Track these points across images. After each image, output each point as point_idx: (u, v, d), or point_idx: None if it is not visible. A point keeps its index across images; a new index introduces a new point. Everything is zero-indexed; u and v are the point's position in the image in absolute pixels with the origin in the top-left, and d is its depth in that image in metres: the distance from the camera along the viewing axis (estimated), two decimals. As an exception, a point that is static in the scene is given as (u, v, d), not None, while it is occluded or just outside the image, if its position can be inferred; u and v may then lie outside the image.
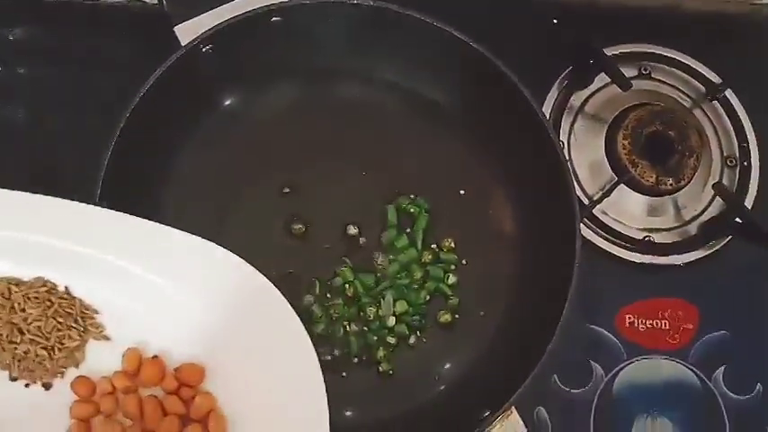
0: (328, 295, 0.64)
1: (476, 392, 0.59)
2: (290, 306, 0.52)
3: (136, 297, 0.54)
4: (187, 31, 0.57)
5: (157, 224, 0.53)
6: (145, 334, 0.54)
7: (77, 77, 0.76)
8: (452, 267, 0.65)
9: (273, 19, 0.59)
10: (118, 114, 0.71)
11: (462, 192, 0.67)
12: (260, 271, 0.54)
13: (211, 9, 0.58)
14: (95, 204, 0.53)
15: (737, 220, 0.73)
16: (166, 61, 0.55)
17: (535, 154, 0.61)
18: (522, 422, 0.54)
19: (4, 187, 0.71)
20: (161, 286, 0.54)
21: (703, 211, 0.75)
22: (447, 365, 0.63)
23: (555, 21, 0.78)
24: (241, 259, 0.52)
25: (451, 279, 0.65)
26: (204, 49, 0.57)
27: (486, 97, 0.63)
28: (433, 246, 0.66)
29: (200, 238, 0.53)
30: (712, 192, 0.75)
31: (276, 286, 0.54)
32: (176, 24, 0.57)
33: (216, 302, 0.53)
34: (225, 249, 0.52)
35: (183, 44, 0.57)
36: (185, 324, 0.54)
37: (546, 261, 0.61)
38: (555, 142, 0.59)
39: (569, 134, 0.75)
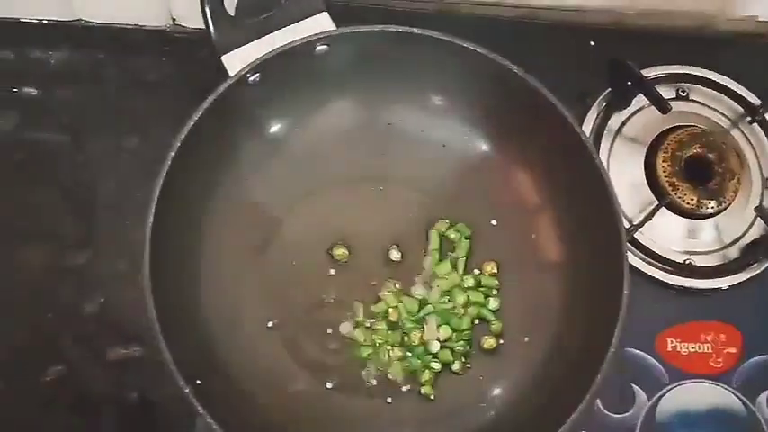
0: (371, 320, 0.64)
1: (523, 420, 0.58)
2: None
3: None
4: (234, 61, 0.58)
5: None
6: None
7: (116, 101, 0.78)
8: (494, 292, 0.66)
9: (318, 48, 0.59)
10: (154, 140, 0.74)
11: (500, 219, 0.68)
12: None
13: (258, 38, 0.58)
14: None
15: (779, 242, 0.73)
16: (215, 90, 0.55)
17: (578, 177, 0.61)
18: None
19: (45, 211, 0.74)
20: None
21: (744, 234, 0.75)
22: (494, 392, 0.63)
23: (592, 43, 0.78)
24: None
25: (493, 304, 0.65)
26: (251, 79, 0.57)
27: (528, 121, 0.63)
28: (475, 270, 0.66)
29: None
30: (753, 214, 0.74)
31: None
32: (222, 54, 0.58)
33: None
34: None
35: (230, 73, 0.57)
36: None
37: (592, 286, 0.61)
38: (598, 164, 0.59)
39: (608, 157, 0.75)
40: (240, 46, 0.58)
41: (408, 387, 0.63)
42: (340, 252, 0.65)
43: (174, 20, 0.79)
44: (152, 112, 0.77)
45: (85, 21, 0.80)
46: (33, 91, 0.78)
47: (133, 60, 0.79)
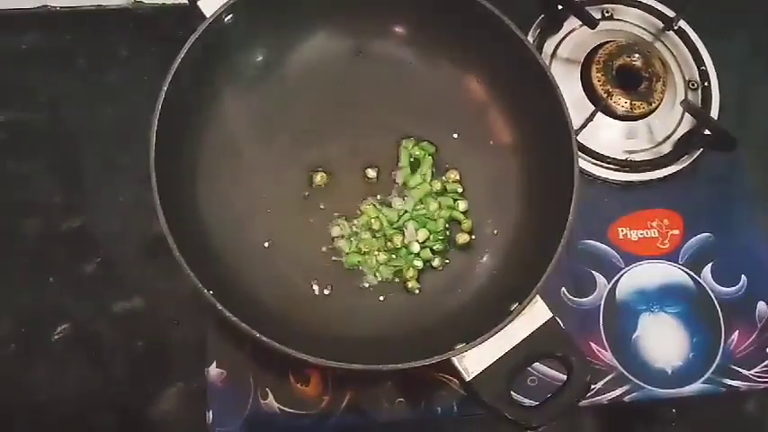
0: (355, 230, 0.70)
1: (500, 295, 0.65)
2: None
3: None
4: (209, 4, 0.63)
5: None
6: None
7: (88, 77, 0.82)
8: (460, 194, 0.73)
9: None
10: (129, 108, 0.78)
11: (461, 131, 0.75)
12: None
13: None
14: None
15: (706, 132, 0.81)
16: (195, 31, 0.60)
17: (526, 79, 0.68)
18: (547, 307, 0.61)
19: (34, 184, 0.77)
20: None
21: (675, 131, 0.83)
22: (469, 279, 0.70)
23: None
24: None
25: (461, 206, 0.72)
26: (226, 19, 0.63)
27: (481, 38, 0.70)
28: (442, 178, 0.73)
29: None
30: (680, 111, 0.83)
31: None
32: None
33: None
34: None
35: (206, 15, 0.62)
36: None
37: (547, 175, 0.68)
38: (540, 60, 0.66)
39: (547, 76, 0.82)
40: (213, -8, 0.64)
41: (395, 284, 0.69)
42: (319, 177, 0.71)
43: (134, -3, 0.84)
44: (125, 85, 0.82)
45: (51, 6, 0.84)
46: (5, 75, 0.81)
47: (100, 39, 0.84)
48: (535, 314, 0.60)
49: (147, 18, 0.85)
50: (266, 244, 0.68)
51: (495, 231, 0.71)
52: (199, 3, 0.63)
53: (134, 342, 0.73)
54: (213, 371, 0.69)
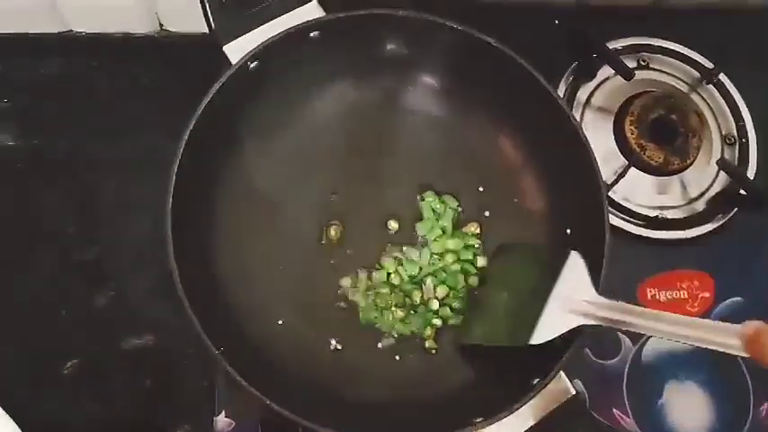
0: (373, 286, 0.68)
1: (522, 366, 0.61)
2: None
3: None
4: (235, 50, 0.62)
5: None
6: None
7: (110, 106, 0.80)
8: (478, 250, 0.70)
9: (312, 34, 0.63)
10: (151, 139, 0.76)
11: (486, 184, 0.72)
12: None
13: (255, 28, 0.63)
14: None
15: (741, 192, 0.78)
16: (220, 78, 0.59)
17: (557, 135, 0.66)
18: (570, 384, 0.59)
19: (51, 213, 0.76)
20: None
21: (709, 187, 0.80)
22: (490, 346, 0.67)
23: (556, 21, 0.84)
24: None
25: (480, 261, 0.70)
26: (251, 66, 0.61)
27: (510, 90, 0.68)
28: (463, 230, 0.71)
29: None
30: (716, 168, 0.80)
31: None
32: (224, 44, 0.62)
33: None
34: None
35: (232, 62, 0.61)
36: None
37: (575, 236, 0.66)
38: (573, 120, 0.63)
39: (579, 125, 0.80)
40: (239, 36, 0.62)
41: (413, 343, 0.67)
42: (336, 229, 0.69)
43: (161, 25, 0.83)
44: (147, 115, 0.80)
45: (76, 31, 0.83)
46: (29, 101, 0.80)
47: (124, 67, 0.82)
48: (558, 391, 0.57)
49: (173, 47, 0.84)
50: (281, 296, 0.67)
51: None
52: (225, 48, 0.61)
53: (143, 380, 0.72)
54: (221, 421, 0.67)
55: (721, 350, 0.51)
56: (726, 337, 0.51)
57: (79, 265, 0.74)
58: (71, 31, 0.83)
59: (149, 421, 0.71)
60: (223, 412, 0.68)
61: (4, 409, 0.60)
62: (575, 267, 0.60)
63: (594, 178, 0.61)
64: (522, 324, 0.59)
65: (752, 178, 0.80)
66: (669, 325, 0.54)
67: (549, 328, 0.58)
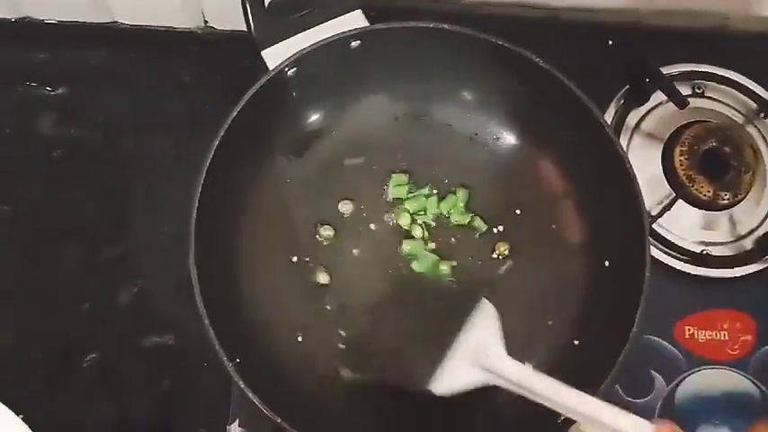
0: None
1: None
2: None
3: None
4: (273, 56, 0.60)
5: None
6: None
7: (149, 101, 0.80)
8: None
9: (353, 44, 0.62)
10: (185, 138, 0.76)
11: (524, 208, 0.70)
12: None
13: (295, 34, 0.61)
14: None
15: (793, 234, 0.75)
16: (256, 84, 0.58)
17: (602, 165, 0.63)
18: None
19: (82, 207, 0.76)
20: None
21: (759, 226, 0.77)
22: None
23: (610, 42, 0.81)
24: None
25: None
26: (289, 72, 0.60)
27: (554, 113, 0.65)
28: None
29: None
30: (768, 207, 0.76)
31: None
32: (262, 49, 0.60)
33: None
34: None
35: (270, 67, 0.60)
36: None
37: (614, 270, 0.63)
38: (621, 152, 0.61)
39: (627, 152, 0.77)
40: (279, 41, 0.61)
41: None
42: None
43: (206, 22, 0.82)
44: (184, 112, 0.80)
45: (120, 23, 0.82)
46: (70, 91, 0.80)
47: (164, 62, 0.82)
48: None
49: (214, 43, 0.83)
50: (300, 320, 0.65)
51: (550, 323, 0.66)
52: (263, 53, 0.60)
53: (161, 380, 0.71)
54: (235, 429, 0.66)
55: None
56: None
57: (105, 261, 0.74)
58: (116, 22, 0.83)
59: (164, 421, 0.70)
60: (237, 421, 0.66)
61: (18, 399, 0.59)
62: (486, 317, 0.56)
63: (638, 212, 0.58)
64: (421, 365, 0.55)
65: (805, 220, 0.76)
66: (576, 403, 0.50)
67: (450, 378, 0.54)
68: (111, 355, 0.71)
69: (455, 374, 0.54)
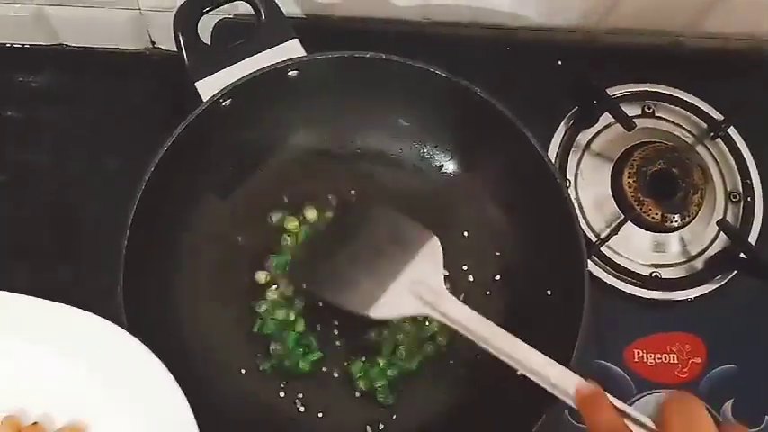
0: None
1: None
2: (162, 365, 0.54)
3: (16, 366, 0.55)
4: (208, 87, 0.59)
5: (31, 297, 0.55)
6: (24, 401, 0.55)
7: (97, 122, 0.79)
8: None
9: (290, 73, 0.61)
10: (135, 159, 0.75)
11: (470, 231, 0.70)
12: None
13: (231, 65, 0.60)
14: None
15: (742, 255, 0.74)
16: (188, 117, 0.57)
17: (542, 195, 0.63)
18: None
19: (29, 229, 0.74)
20: (40, 354, 0.55)
21: (708, 247, 0.76)
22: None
23: (559, 62, 0.80)
24: (116, 326, 0.55)
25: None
26: (224, 104, 0.59)
27: (493, 141, 0.65)
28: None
29: (76, 308, 0.55)
30: (717, 227, 0.76)
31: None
32: (196, 81, 0.59)
33: (95, 366, 0.54)
34: (101, 317, 0.55)
35: (203, 99, 0.59)
36: (66, 389, 0.54)
37: (555, 298, 0.63)
38: (561, 185, 0.61)
39: (576, 172, 0.77)
40: (213, 72, 0.60)
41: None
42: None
43: (153, 43, 0.81)
44: (130, 133, 0.79)
45: (66, 45, 0.81)
46: (16, 113, 0.79)
47: (113, 84, 0.81)
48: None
49: (162, 64, 0.82)
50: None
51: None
52: (196, 84, 0.59)
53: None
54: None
55: (554, 392, 0.51)
56: (562, 381, 0.51)
57: (54, 284, 0.72)
58: (62, 44, 0.82)
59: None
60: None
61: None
62: (432, 254, 0.58)
63: (577, 244, 0.58)
64: (363, 291, 0.58)
65: (754, 241, 0.76)
66: (509, 347, 0.53)
67: (390, 305, 0.57)
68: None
69: (395, 302, 0.57)
